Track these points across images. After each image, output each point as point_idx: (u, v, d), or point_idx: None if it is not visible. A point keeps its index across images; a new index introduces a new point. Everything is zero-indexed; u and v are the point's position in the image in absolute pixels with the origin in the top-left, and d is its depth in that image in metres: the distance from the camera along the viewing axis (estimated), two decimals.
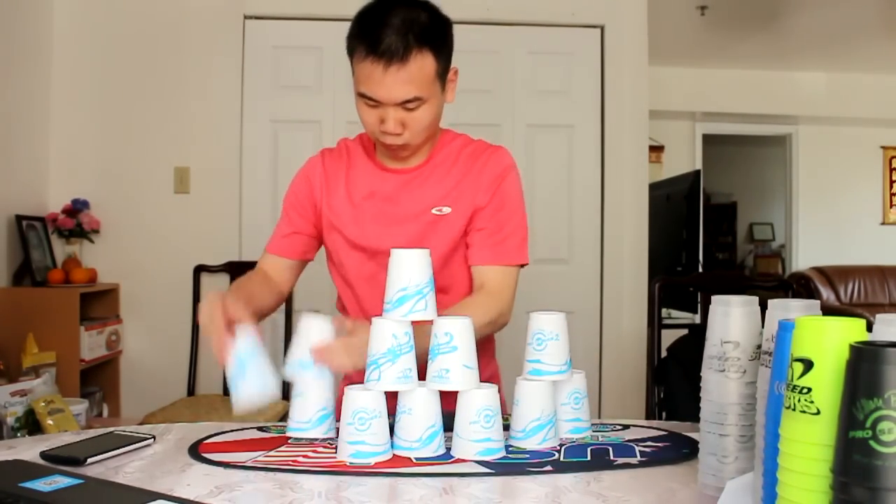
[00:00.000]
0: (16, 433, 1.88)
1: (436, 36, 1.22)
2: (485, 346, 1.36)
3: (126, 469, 0.95)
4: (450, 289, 1.35)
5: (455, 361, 1.01)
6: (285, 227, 1.44)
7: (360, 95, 1.24)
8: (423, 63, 1.20)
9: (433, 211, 1.32)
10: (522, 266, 1.36)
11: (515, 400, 1.07)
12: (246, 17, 3.13)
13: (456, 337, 1.02)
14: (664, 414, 2.24)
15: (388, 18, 1.18)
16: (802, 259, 6.37)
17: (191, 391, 3.03)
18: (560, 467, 0.96)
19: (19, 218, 2.75)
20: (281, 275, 1.46)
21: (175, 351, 3.05)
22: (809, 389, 0.60)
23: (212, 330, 1.13)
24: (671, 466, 0.97)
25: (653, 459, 1.00)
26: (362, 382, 1.05)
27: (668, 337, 2.67)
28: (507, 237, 1.33)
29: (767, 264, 7.93)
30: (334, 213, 1.39)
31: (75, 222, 2.93)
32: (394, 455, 1.00)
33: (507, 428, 1.07)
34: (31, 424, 1.92)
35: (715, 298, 0.83)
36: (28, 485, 0.83)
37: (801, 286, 5.29)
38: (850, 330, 0.60)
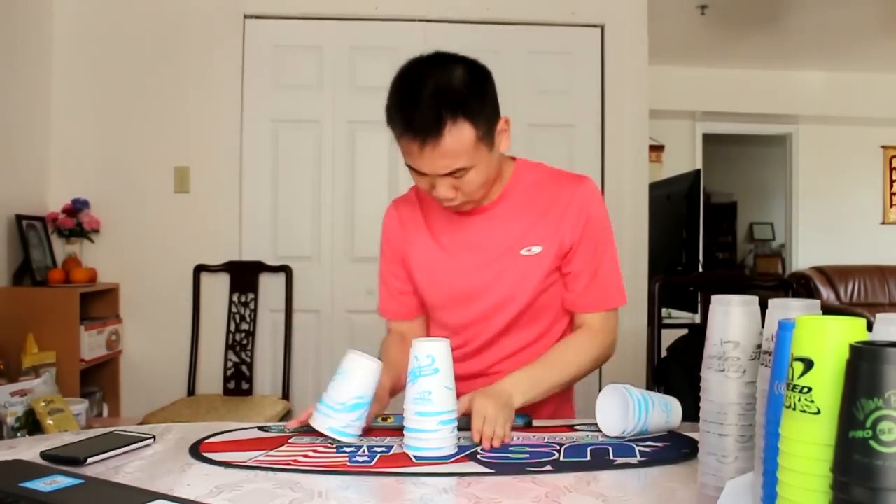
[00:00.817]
0: (16, 433, 1.88)
1: (472, 100, 1.18)
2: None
3: (126, 469, 0.95)
4: (538, 318, 1.36)
5: (436, 383, 1.03)
6: (387, 292, 1.45)
7: (408, 165, 1.23)
8: (459, 135, 1.16)
9: (522, 252, 1.31)
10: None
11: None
12: (246, 17, 3.13)
13: (437, 359, 1.03)
14: None
15: (421, 90, 1.16)
16: (802, 259, 6.37)
17: (191, 391, 3.03)
18: (560, 467, 0.96)
19: (19, 218, 2.75)
20: (416, 332, 1.44)
21: (175, 351, 3.05)
22: (810, 389, 0.60)
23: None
24: (671, 466, 0.97)
25: (653, 459, 1.00)
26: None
27: (668, 337, 2.68)
28: (607, 280, 1.35)
29: (767, 264, 7.93)
30: (419, 261, 1.38)
31: (75, 222, 2.93)
32: (389, 454, 1.00)
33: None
34: (31, 424, 1.92)
35: (715, 298, 0.83)
36: (28, 485, 0.83)
37: (801, 286, 5.29)
38: (851, 330, 0.60)
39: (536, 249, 1.30)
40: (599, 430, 1.16)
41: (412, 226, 1.40)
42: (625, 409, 1.09)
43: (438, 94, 1.15)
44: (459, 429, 1.06)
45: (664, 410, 1.13)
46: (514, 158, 1.39)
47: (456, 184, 1.22)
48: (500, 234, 1.32)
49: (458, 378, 1.15)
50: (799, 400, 0.60)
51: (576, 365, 1.30)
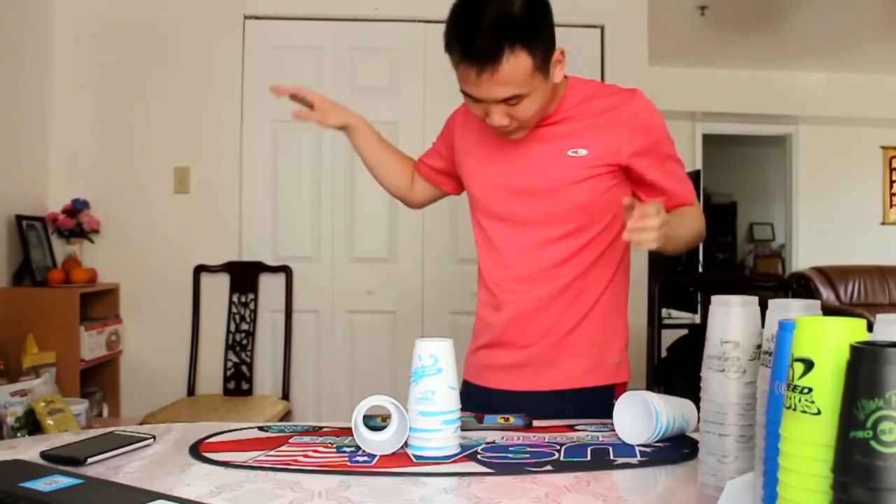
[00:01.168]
0: (16, 433, 1.88)
1: (530, 29, 1.20)
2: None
3: (126, 469, 0.95)
4: (586, 221, 1.36)
5: (440, 383, 1.02)
6: (425, 154, 1.63)
7: (462, 91, 1.27)
8: (517, 63, 1.19)
9: (569, 153, 1.33)
10: None
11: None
12: (246, 17, 3.13)
13: (441, 359, 1.03)
14: None
15: (480, 17, 1.18)
16: (802, 259, 6.37)
17: (191, 391, 3.03)
18: (560, 467, 0.96)
19: (19, 218, 2.75)
20: (422, 194, 1.65)
21: (175, 351, 3.05)
22: (810, 389, 0.60)
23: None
24: (671, 466, 0.97)
25: (653, 459, 1.00)
26: None
27: (668, 337, 2.68)
28: (684, 178, 1.41)
29: (767, 264, 7.93)
30: (474, 153, 1.44)
31: (75, 222, 2.93)
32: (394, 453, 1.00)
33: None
34: (31, 424, 1.92)
35: (715, 298, 0.83)
36: (28, 485, 0.83)
37: (801, 286, 5.29)
38: (851, 330, 0.60)
39: (583, 152, 1.33)
40: (600, 431, 1.16)
41: (474, 121, 1.42)
42: (648, 419, 1.07)
43: (498, 23, 1.17)
44: (461, 429, 1.06)
45: (683, 417, 1.11)
46: (566, 77, 1.40)
47: (510, 111, 1.25)
48: (550, 137, 1.35)
49: (516, 279, 1.38)
50: (799, 400, 0.60)
51: (695, 229, 1.38)
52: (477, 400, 1.38)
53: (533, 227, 1.37)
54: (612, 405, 1.15)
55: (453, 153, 1.52)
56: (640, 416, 1.09)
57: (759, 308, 0.82)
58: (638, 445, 1.07)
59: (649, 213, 1.12)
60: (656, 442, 1.09)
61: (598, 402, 1.34)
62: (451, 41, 1.23)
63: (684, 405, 1.12)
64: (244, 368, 3.03)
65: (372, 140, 1.63)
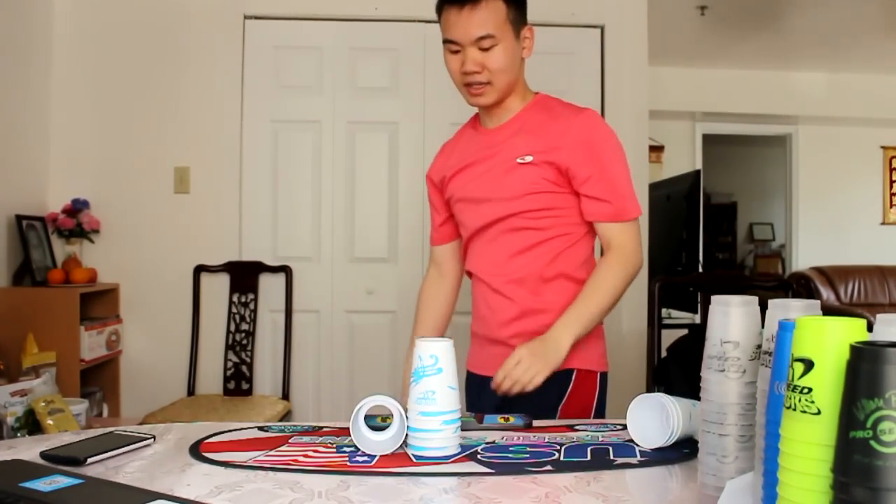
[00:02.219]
0: (16, 433, 1.88)
1: None
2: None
3: (126, 469, 0.95)
4: (537, 223, 1.47)
5: (440, 383, 1.03)
6: (436, 219, 1.68)
7: (445, 43, 1.44)
8: (494, 6, 1.41)
9: (518, 160, 1.46)
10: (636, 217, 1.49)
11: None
12: (246, 17, 3.13)
13: (441, 359, 1.03)
14: None
15: None
16: (802, 259, 6.37)
17: (191, 391, 3.03)
18: (560, 467, 0.96)
19: (19, 218, 2.75)
20: (451, 259, 1.70)
21: (175, 351, 3.05)
22: (810, 389, 0.60)
23: None
24: (671, 466, 0.97)
25: (653, 459, 1.00)
26: None
27: (668, 337, 2.68)
28: (618, 192, 1.45)
29: (767, 264, 7.93)
30: (450, 172, 1.59)
31: (75, 222, 2.93)
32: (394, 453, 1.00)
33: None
34: (31, 424, 1.92)
35: (715, 298, 0.83)
36: (28, 485, 0.83)
37: (801, 286, 5.30)
38: (851, 330, 0.60)
39: (529, 158, 1.45)
40: (599, 431, 1.16)
41: (449, 153, 1.63)
42: (664, 422, 1.06)
43: None
44: (462, 429, 1.06)
45: (692, 429, 1.10)
46: (538, 92, 1.57)
47: (483, 59, 1.42)
48: (506, 146, 1.49)
49: (478, 275, 1.54)
50: (799, 400, 0.60)
51: (612, 289, 1.43)
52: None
53: (493, 232, 1.51)
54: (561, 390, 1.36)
55: (444, 195, 1.63)
56: (654, 419, 1.07)
57: (759, 308, 0.82)
58: (638, 445, 1.07)
59: (507, 367, 1.32)
60: None
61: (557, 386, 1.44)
62: None
63: (695, 408, 1.10)
64: (244, 368, 3.03)
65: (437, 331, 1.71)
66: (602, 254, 1.48)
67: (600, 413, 1.49)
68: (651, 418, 1.08)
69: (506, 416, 1.23)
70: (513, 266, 1.49)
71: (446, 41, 1.44)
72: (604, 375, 1.52)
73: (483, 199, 1.50)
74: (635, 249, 1.46)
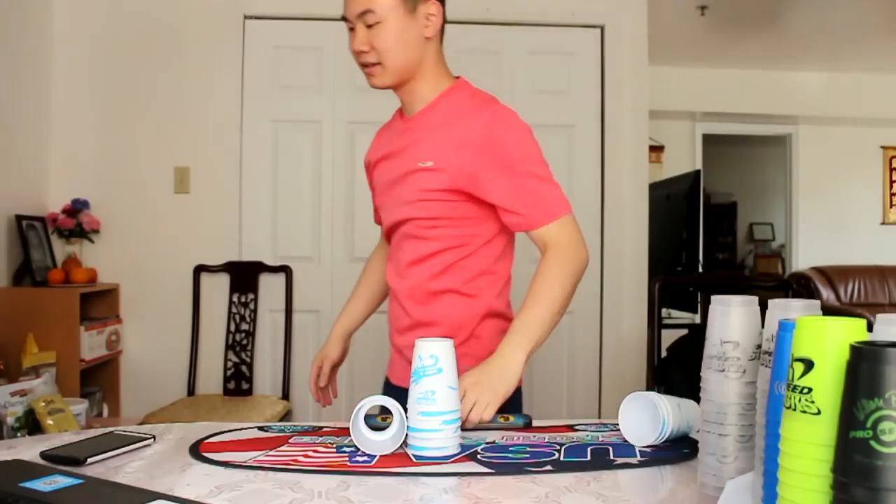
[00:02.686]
0: (16, 433, 1.88)
1: None
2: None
3: (126, 469, 0.95)
4: (435, 231, 1.37)
5: (440, 383, 1.02)
6: (374, 199, 1.59)
7: (342, 20, 1.38)
8: None
9: (419, 164, 1.36)
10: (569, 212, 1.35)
11: None
12: (246, 17, 3.13)
13: (441, 359, 1.03)
14: None
15: None
16: (802, 259, 6.37)
17: (191, 391, 3.03)
18: (560, 467, 0.96)
19: (19, 218, 2.75)
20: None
21: (175, 351, 3.05)
22: (810, 389, 0.60)
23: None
24: (671, 466, 0.97)
25: (653, 459, 1.00)
26: None
27: (668, 337, 2.68)
28: (539, 194, 1.33)
29: (767, 264, 7.93)
30: (373, 166, 1.55)
31: (75, 222, 2.93)
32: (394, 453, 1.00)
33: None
34: (31, 424, 1.92)
35: (715, 298, 0.83)
36: (28, 485, 0.83)
37: (801, 286, 5.30)
38: (851, 330, 0.60)
39: (429, 163, 1.35)
40: (599, 430, 1.16)
41: (380, 133, 1.58)
42: (654, 422, 1.07)
43: None
44: (462, 429, 1.06)
45: (688, 423, 1.11)
46: (458, 77, 1.45)
47: (370, 38, 1.33)
48: (413, 145, 1.39)
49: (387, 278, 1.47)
50: (799, 400, 0.60)
51: (558, 289, 1.30)
52: None
53: (397, 236, 1.44)
54: None
55: (371, 181, 1.60)
56: (645, 416, 1.09)
57: (759, 308, 0.82)
58: (640, 446, 1.07)
59: (466, 403, 1.15)
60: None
61: None
62: None
63: (689, 407, 1.12)
64: (244, 368, 3.03)
65: (363, 316, 1.66)
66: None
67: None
68: (642, 416, 1.09)
69: (506, 415, 1.23)
70: (407, 275, 1.41)
71: (342, 19, 1.38)
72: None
73: (389, 200, 1.45)
74: (574, 243, 1.32)
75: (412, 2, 1.34)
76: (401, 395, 1.24)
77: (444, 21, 1.43)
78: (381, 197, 1.50)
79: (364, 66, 1.37)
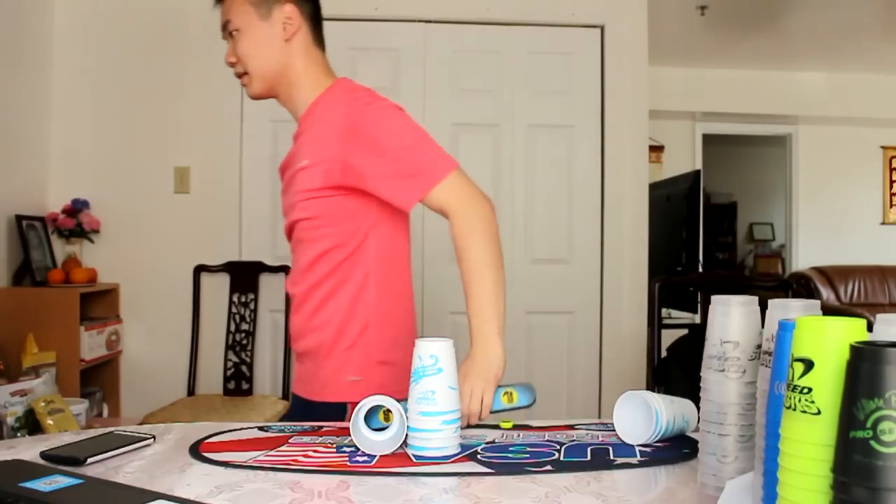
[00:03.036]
0: (16, 433, 1.88)
1: None
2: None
3: (126, 469, 0.95)
4: (317, 233, 1.36)
5: (440, 383, 1.02)
6: None
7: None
8: None
9: (299, 165, 1.37)
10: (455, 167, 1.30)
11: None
12: None
13: (441, 359, 1.03)
14: None
15: None
16: (802, 259, 6.37)
17: (191, 391, 3.03)
18: (560, 467, 0.96)
19: (19, 218, 2.75)
20: None
21: (175, 351, 3.05)
22: (810, 389, 0.60)
23: None
24: (671, 466, 0.97)
25: (653, 459, 1.00)
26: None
27: (668, 337, 2.68)
28: (416, 162, 1.29)
29: (767, 264, 7.93)
30: (281, 171, 1.55)
31: (75, 222, 2.93)
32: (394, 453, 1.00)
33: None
34: (31, 424, 1.92)
35: (715, 298, 0.83)
36: (28, 485, 0.83)
37: (801, 286, 5.30)
38: (851, 330, 0.60)
39: (305, 162, 1.35)
40: (599, 430, 1.16)
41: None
42: (648, 419, 1.07)
43: None
44: (463, 428, 1.06)
45: (682, 426, 1.11)
46: (338, 78, 1.44)
47: (234, 47, 1.39)
48: (297, 150, 1.41)
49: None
50: (799, 400, 0.60)
51: (488, 255, 1.25)
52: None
53: (293, 242, 1.44)
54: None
55: None
56: (639, 415, 1.09)
57: (759, 308, 0.82)
58: (638, 445, 1.07)
59: (463, 399, 1.13)
60: (656, 442, 1.09)
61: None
62: None
63: (684, 405, 1.13)
64: (244, 368, 3.04)
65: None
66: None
67: None
68: (636, 415, 1.10)
69: (507, 389, 1.20)
70: (301, 280, 1.40)
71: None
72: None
73: (284, 207, 1.46)
74: (471, 198, 1.28)
75: (266, 7, 1.36)
76: (305, 406, 1.32)
77: (317, 23, 1.43)
78: (282, 206, 1.50)
79: (238, 77, 1.42)
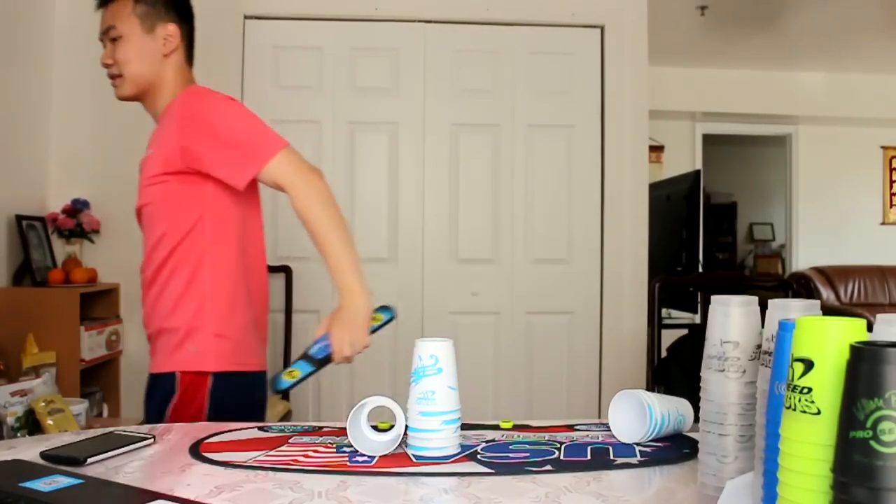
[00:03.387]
0: (16, 433, 1.88)
1: None
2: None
3: (126, 469, 0.95)
4: (157, 217, 1.48)
5: (440, 383, 1.03)
6: None
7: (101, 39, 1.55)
8: (123, 3, 1.50)
9: (146, 154, 1.51)
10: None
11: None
12: (246, 17, 3.13)
13: (441, 359, 1.03)
14: None
15: None
16: (802, 259, 6.37)
17: None
18: (560, 467, 0.96)
19: (19, 218, 2.75)
20: None
21: None
22: (810, 389, 0.60)
23: None
24: (671, 466, 0.97)
25: (653, 459, 1.00)
26: None
27: (668, 337, 2.68)
28: (246, 142, 1.42)
29: (767, 264, 7.94)
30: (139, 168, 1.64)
31: (75, 222, 2.93)
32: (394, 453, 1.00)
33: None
34: (31, 424, 1.92)
35: (715, 298, 0.83)
36: (28, 485, 0.83)
37: (801, 286, 5.30)
38: (851, 330, 0.60)
39: (150, 152, 1.50)
40: (599, 430, 1.16)
41: None
42: (642, 417, 1.08)
43: None
44: (463, 428, 1.07)
45: (678, 419, 1.12)
46: (197, 88, 1.57)
47: (113, 50, 1.51)
48: (149, 144, 1.54)
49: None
50: (799, 400, 0.60)
51: (332, 219, 1.40)
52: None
53: (142, 229, 1.55)
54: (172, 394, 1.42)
55: None
56: (633, 413, 1.10)
57: (759, 308, 0.82)
58: (638, 445, 1.07)
59: (335, 345, 1.36)
60: (656, 442, 1.09)
61: (165, 391, 1.48)
62: None
63: (679, 401, 1.14)
64: None
65: None
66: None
67: (214, 418, 1.43)
68: (631, 414, 1.11)
69: (374, 315, 1.36)
70: (147, 264, 1.52)
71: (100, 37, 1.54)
72: (222, 376, 1.46)
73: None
74: (302, 171, 1.40)
75: (150, 22, 1.52)
76: (151, 380, 1.52)
77: (190, 43, 1.60)
78: None
79: (110, 77, 1.53)
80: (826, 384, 0.59)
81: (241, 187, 1.43)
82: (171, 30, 1.54)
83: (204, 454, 1.01)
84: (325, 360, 1.35)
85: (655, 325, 2.35)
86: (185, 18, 1.59)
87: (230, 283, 1.49)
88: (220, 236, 1.48)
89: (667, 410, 1.09)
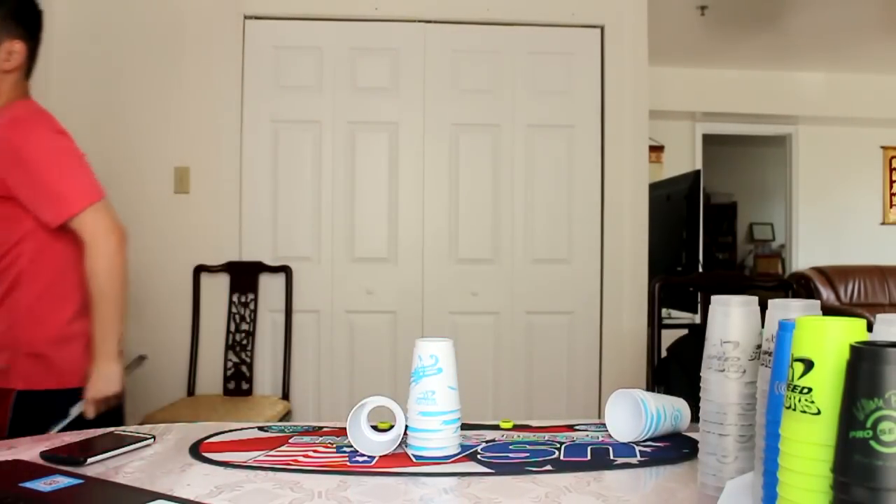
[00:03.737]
0: None
1: None
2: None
3: (126, 469, 0.95)
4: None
5: (440, 383, 1.02)
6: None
7: None
8: None
9: None
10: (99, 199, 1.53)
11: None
12: (246, 17, 3.13)
13: (441, 359, 1.03)
14: None
15: None
16: (802, 259, 6.37)
17: (191, 391, 3.03)
18: (560, 467, 0.96)
19: None
20: None
21: (175, 351, 3.05)
22: (810, 389, 0.60)
23: None
24: (671, 466, 0.97)
25: (653, 459, 1.00)
26: None
27: (668, 337, 2.68)
28: (57, 190, 1.47)
29: (767, 264, 7.94)
30: None
31: None
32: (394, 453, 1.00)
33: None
34: None
35: (715, 298, 0.83)
36: (28, 485, 0.83)
37: (801, 286, 5.30)
38: (851, 330, 0.60)
39: None
40: (599, 430, 1.16)
41: None
42: (638, 415, 1.08)
43: None
44: (463, 428, 1.07)
45: (674, 414, 1.12)
46: (27, 97, 1.59)
47: None
48: None
49: None
50: (799, 400, 0.60)
51: (110, 286, 1.49)
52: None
53: None
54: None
55: None
56: (629, 412, 1.11)
57: (759, 308, 0.82)
58: (637, 445, 1.07)
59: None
60: (656, 442, 1.09)
61: None
62: None
63: (673, 399, 1.15)
64: (244, 368, 3.03)
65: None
66: None
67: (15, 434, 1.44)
68: (627, 414, 1.11)
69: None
70: None
71: None
72: (25, 395, 1.50)
73: None
74: (102, 231, 1.49)
75: None
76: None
77: (34, 57, 1.59)
78: None
79: None
80: (826, 384, 0.59)
81: (52, 227, 1.48)
82: (18, 47, 1.54)
83: (204, 454, 1.01)
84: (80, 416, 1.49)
85: (655, 325, 2.35)
86: (32, 36, 1.58)
87: (51, 306, 1.54)
88: (44, 259, 1.52)
89: (661, 405, 1.10)
